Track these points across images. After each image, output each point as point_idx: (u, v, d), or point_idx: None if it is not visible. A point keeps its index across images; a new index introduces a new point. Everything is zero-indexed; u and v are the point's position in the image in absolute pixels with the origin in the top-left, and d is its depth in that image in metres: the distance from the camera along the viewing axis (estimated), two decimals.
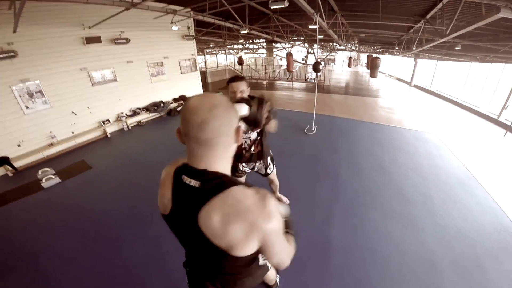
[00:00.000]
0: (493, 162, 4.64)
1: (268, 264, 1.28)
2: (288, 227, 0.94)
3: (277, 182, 2.77)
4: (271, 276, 1.82)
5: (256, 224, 0.66)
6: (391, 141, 5.33)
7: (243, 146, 2.17)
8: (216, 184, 0.70)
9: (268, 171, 2.44)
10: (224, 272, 0.92)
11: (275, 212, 0.70)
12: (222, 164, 0.76)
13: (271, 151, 2.45)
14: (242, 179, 2.39)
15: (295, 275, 2.19)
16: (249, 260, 0.81)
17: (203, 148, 0.71)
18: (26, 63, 4.89)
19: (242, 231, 0.66)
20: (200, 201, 0.68)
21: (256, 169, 2.41)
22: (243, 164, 2.31)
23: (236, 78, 1.92)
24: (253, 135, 2.14)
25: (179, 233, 0.85)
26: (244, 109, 1.39)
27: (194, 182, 0.71)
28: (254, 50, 19.97)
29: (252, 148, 2.21)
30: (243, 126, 1.29)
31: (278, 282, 2.06)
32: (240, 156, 2.22)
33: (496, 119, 7.86)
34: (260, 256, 1.05)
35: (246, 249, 0.69)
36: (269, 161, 2.42)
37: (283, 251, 0.79)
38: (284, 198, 3.07)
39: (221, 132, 0.69)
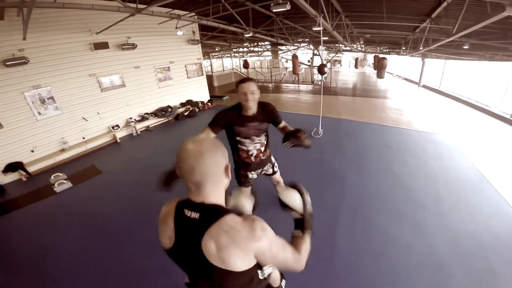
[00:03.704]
0: (506, 163, 4.52)
1: (272, 271, 1.32)
2: (305, 227, 1.16)
3: (282, 183, 2.77)
4: (275, 276, 1.83)
5: (247, 247, 0.77)
6: (400, 143, 5.26)
7: (250, 153, 2.13)
8: (213, 214, 0.80)
9: (275, 169, 2.47)
10: None
11: (263, 233, 0.80)
12: (216, 197, 0.85)
13: None
14: (248, 189, 2.37)
15: (301, 278, 2.18)
16: (249, 279, 0.89)
17: (196, 187, 0.82)
18: (37, 70, 5.05)
19: (237, 253, 0.76)
20: (201, 231, 0.78)
21: (263, 171, 2.41)
22: (252, 172, 2.29)
23: (247, 79, 1.90)
24: (263, 138, 2.13)
25: (183, 263, 0.91)
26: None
27: (194, 214, 0.81)
28: (260, 53, 20.05)
29: (262, 151, 2.19)
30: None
31: (283, 286, 2.06)
32: (247, 164, 2.19)
33: (508, 118, 7.67)
34: (259, 271, 1.12)
35: (244, 265, 0.79)
36: (273, 159, 2.43)
37: (287, 260, 0.92)
38: None
39: (208, 174, 0.80)
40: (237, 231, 0.77)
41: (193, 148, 0.80)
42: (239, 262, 0.78)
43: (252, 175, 2.33)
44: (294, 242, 1.06)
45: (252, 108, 1.94)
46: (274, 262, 0.89)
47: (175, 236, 0.85)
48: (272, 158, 2.43)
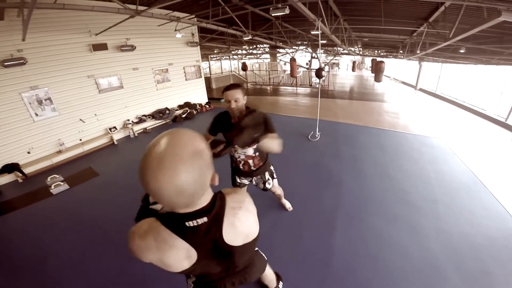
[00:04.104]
0: (500, 166, 4.57)
1: (265, 258, 1.50)
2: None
3: (279, 191, 2.76)
4: (271, 276, 1.85)
5: (253, 206, 0.91)
6: (396, 147, 5.29)
7: (238, 160, 2.15)
8: (217, 207, 0.80)
9: (267, 185, 2.38)
10: (237, 270, 1.08)
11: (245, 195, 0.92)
12: (208, 196, 0.77)
13: (272, 167, 2.40)
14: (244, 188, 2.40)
15: (297, 281, 2.19)
16: (253, 252, 1.10)
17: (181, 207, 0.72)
18: (36, 70, 5.04)
19: (254, 218, 0.89)
20: (217, 228, 0.80)
21: (254, 183, 2.39)
22: (241, 177, 2.32)
23: (231, 86, 1.84)
24: (249, 151, 2.08)
25: (210, 263, 0.89)
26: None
27: (201, 220, 0.75)
28: (258, 56, 20.12)
29: (251, 163, 2.16)
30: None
31: None
32: (237, 170, 2.23)
33: (504, 122, 7.75)
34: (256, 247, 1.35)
35: (257, 224, 0.92)
36: (267, 176, 2.35)
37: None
38: (288, 205, 3.09)
39: (195, 195, 0.68)
40: (242, 201, 0.86)
41: (164, 165, 0.60)
42: (255, 226, 0.90)
43: (242, 180, 2.34)
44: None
45: (238, 115, 1.86)
46: None
47: (195, 250, 0.79)
48: (266, 174, 2.34)
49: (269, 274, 1.81)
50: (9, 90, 4.74)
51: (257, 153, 2.12)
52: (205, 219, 0.75)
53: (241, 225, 0.83)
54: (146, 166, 0.61)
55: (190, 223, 0.74)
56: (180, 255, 0.78)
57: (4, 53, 4.57)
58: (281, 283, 2.10)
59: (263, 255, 1.50)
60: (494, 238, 2.66)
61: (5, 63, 4.52)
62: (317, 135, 5.76)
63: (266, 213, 3.01)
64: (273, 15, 4.47)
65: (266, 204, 3.11)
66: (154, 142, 0.64)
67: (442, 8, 4.55)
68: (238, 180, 2.34)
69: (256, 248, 1.42)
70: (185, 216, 0.74)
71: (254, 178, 2.34)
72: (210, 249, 0.82)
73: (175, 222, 0.76)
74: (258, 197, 2.20)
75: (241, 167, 2.18)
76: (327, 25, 5.63)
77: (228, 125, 1.93)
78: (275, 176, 2.45)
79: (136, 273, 2.36)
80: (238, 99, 1.81)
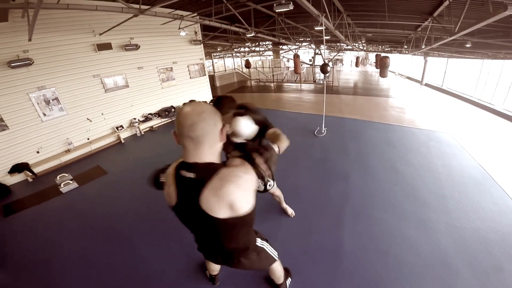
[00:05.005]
0: (510, 161, 4.51)
1: (275, 255, 1.51)
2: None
3: (278, 192, 2.74)
4: (279, 273, 1.86)
5: (249, 185, 0.92)
6: (403, 142, 5.26)
7: None
8: (208, 171, 0.89)
9: (268, 187, 2.34)
10: (228, 248, 1.18)
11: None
12: (210, 156, 0.92)
13: None
14: None
15: (305, 277, 2.20)
16: (250, 224, 1.09)
17: (193, 145, 0.89)
18: (42, 71, 5.08)
19: (242, 194, 0.89)
20: (198, 188, 0.88)
21: None
22: None
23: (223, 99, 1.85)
24: None
25: (187, 218, 1.03)
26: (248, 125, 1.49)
27: (190, 174, 0.90)
28: (261, 53, 20.05)
29: None
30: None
31: (287, 285, 2.07)
32: None
33: None
34: (258, 239, 1.43)
35: (248, 206, 0.93)
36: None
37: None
38: (290, 210, 2.98)
39: (207, 131, 0.87)
40: (236, 176, 0.89)
41: (195, 108, 0.87)
42: (244, 203, 0.91)
43: None
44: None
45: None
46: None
47: (177, 195, 0.96)
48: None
49: (277, 271, 1.81)
50: (17, 91, 4.78)
51: None
52: (192, 175, 0.89)
53: (224, 194, 0.86)
54: (181, 108, 0.89)
55: (183, 172, 0.92)
56: (168, 191, 0.99)
57: (10, 54, 4.60)
58: (289, 280, 2.11)
59: (272, 254, 1.51)
60: (506, 233, 2.64)
61: (12, 64, 4.55)
62: (323, 131, 5.75)
63: (272, 209, 3.01)
64: (277, 11, 4.44)
65: (267, 208, 3.07)
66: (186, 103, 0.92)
67: (446, 3, 4.48)
68: None
69: (262, 246, 1.44)
70: (183, 164, 0.93)
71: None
72: (188, 205, 0.93)
73: (178, 166, 0.96)
74: (262, 196, 2.19)
75: None
76: (330, 21, 5.58)
77: None
78: (275, 177, 2.41)
79: (144, 271, 2.39)
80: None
